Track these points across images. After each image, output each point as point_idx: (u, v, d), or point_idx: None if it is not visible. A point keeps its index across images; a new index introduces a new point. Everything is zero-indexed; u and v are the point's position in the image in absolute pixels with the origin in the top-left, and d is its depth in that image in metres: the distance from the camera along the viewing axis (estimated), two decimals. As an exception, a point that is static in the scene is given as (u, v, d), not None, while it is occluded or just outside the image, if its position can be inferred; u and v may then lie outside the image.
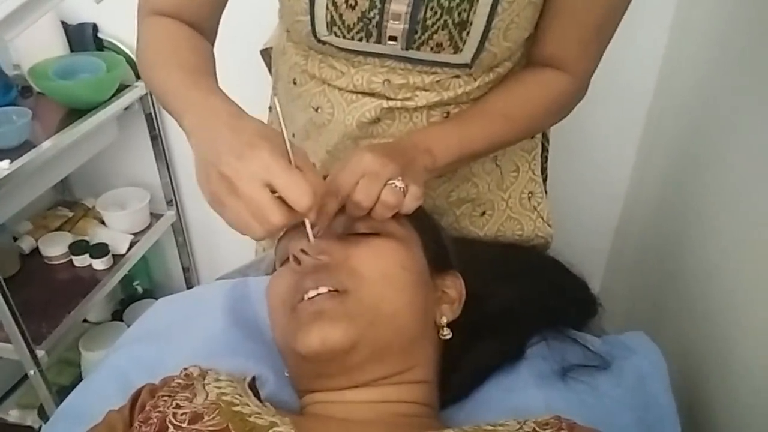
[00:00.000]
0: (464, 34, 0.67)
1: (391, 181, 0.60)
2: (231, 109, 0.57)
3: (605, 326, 0.81)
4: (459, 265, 0.71)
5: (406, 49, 0.69)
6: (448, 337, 0.64)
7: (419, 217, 0.70)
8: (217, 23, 0.77)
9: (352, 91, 0.75)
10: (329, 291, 0.57)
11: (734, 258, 0.80)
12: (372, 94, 0.74)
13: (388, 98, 0.74)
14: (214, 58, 0.72)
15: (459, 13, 0.65)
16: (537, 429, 0.53)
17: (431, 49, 0.69)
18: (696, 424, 0.78)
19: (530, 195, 0.90)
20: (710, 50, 1.01)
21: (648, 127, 1.31)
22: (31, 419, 1.59)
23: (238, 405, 0.54)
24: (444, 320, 0.65)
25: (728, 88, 0.91)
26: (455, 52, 0.69)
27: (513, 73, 0.77)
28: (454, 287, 0.67)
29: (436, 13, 0.66)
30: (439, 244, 0.70)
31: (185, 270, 1.81)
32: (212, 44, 0.76)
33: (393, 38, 0.69)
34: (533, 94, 0.75)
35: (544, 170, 0.94)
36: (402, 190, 0.60)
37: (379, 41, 0.69)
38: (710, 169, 0.93)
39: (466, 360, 0.67)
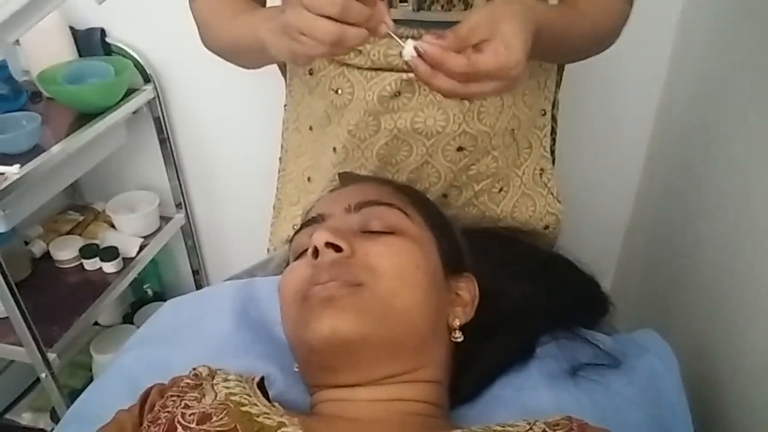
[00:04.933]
0: None
1: None
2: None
3: (616, 324, 0.80)
4: (470, 263, 0.70)
5: (418, 10, 0.70)
6: (459, 339, 0.64)
7: (435, 218, 0.70)
8: None
9: (370, 68, 0.76)
10: (342, 282, 0.57)
11: (746, 255, 0.79)
12: (390, 69, 0.75)
13: (407, 71, 0.74)
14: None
15: None
16: (547, 430, 0.52)
17: (442, 7, 0.70)
18: (708, 422, 0.77)
19: (541, 171, 0.90)
20: (719, 45, 1.00)
21: (658, 124, 1.31)
22: (43, 422, 1.60)
23: (246, 405, 0.54)
24: (456, 322, 0.64)
25: (738, 83, 0.90)
26: (466, 8, 0.70)
27: None
28: (468, 290, 0.67)
29: None
30: (454, 246, 0.69)
31: (195, 272, 1.82)
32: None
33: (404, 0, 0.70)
34: (606, 6, 0.75)
35: (552, 152, 0.94)
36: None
37: (391, 5, 0.70)
38: (721, 165, 0.92)
39: (477, 360, 0.67)
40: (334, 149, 0.84)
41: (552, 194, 0.92)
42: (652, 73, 1.26)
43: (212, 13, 0.79)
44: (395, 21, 0.71)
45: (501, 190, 0.88)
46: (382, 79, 0.76)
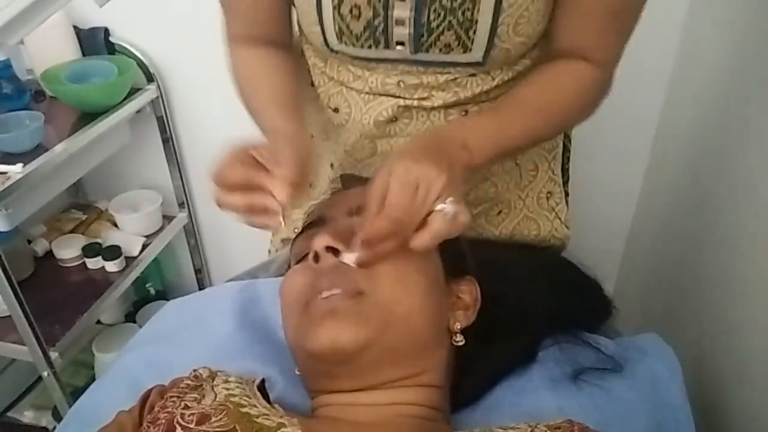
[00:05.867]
0: (471, 32, 0.66)
1: (439, 206, 0.55)
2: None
3: (619, 328, 0.80)
4: (471, 266, 0.70)
5: (415, 53, 0.69)
6: (461, 343, 0.63)
7: None
8: (290, 27, 0.79)
9: (368, 93, 0.76)
10: (343, 292, 0.57)
11: (749, 258, 0.78)
12: (388, 95, 0.75)
13: (404, 98, 0.74)
14: (286, 70, 0.78)
15: (463, 12, 0.65)
16: (548, 432, 0.52)
17: (440, 50, 0.69)
18: (711, 427, 0.77)
19: (549, 195, 0.89)
20: (724, 48, 1.00)
21: (662, 126, 1.30)
22: (45, 420, 1.61)
23: (246, 406, 0.54)
24: (458, 326, 0.64)
25: (743, 86, 0.89)
26: (465, 52, 0.69)
27: (542, 65, 0.74)
28: (469, 293, 0.66)
29: (439, 15, 0.66)
30: (455, 249, 0.69)
31: (197, 271, 1.82)
32: (290, 42, 0.82)
33: (401, 43, 0.69)
34: (566, 86, 0.72)
35: (566, 171, 0.93)
36: (452, 215, 0.56)
37: (387, 47, 0.70)
38: (725, 168, 0.91)
39: (479, 364, 0.67)
40: (332, 165, 0.84)
41: (559, 219, 0.90)
42: (656, 77, 1.25)
43: (241, 76, 0.79)
44: (393, 61, 0.72)
45: (500, 212, 0.87)
46: (379, 104, 0.75)
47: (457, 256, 0.69)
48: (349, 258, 0.57)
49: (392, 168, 0.56)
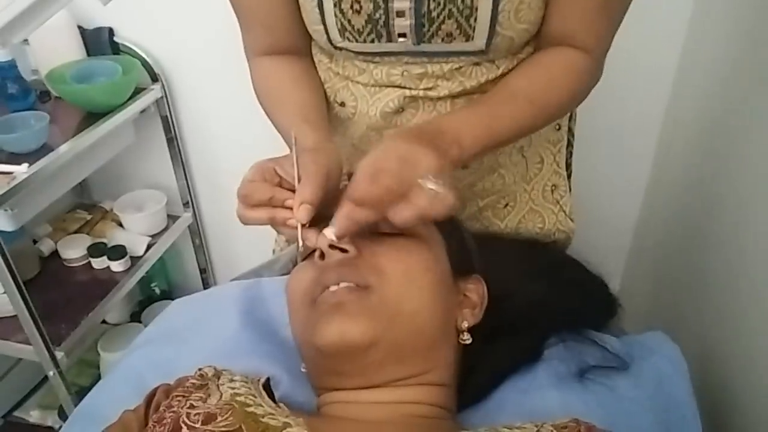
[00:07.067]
0: (472, 20, 0.67)
1: (430, 185, 0.55)
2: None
3: (624, 326, 0.79)
4: (478, 264, 0.70)
5: (418, 44, 0.70)
6: (468, 342, 0.63)
7: (444, 219, 0.69)
8: (305, 32, 0.78)
9: (374, 85, 0.76)
10: (350, 286, 0.57)
11: (757, 255, 0.78)
12: (394, 86, 0.75)
13: (410, 89, 0.74)
14: (308, 80, 0.79)
15: (462, 0, 0.65)
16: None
17: (442, 39, 0.69)
18: (718, 426, 0.76)
19: (554, 188, 0.89)
20: (730, 43, 0.99)
21: (667, 122, 1.29)
22: (51, 419, 1.61)
23: (251, 406, 0.54)
24: (465, 325, 0.63)
25: (748, 82, 0.89)
26: (467, 40, 0.69)
27: (533, 54, 0.74)
28: (477, 291, 0.66)
29: (439, 4, 0.66)
30: (462, 248, 0.69)
31: (202, 271, 1.82)
32: (309, 48, 0.82)
33: (402, 35, 0.69)
34: (557, 75, 0.72)
35: (568, 165, 0.93)
36: (434, 193, 0.55)
37: (390, 40, 0.70)
38: (731, 163, 0.91)
39: (484, 362, 0.66)
40: None
41: (564, 212, 0.90)
42: (661, 72, 1.25)
43: (263, 90, 0.80)
44: (396, 53, 0.72)
45: (506, 205, 0.87)
46: (385, 95, 0.76)
47: (464, 254, 0.69)
48: (329, 231, 0.56)
49: (382, 146, 0.57)
